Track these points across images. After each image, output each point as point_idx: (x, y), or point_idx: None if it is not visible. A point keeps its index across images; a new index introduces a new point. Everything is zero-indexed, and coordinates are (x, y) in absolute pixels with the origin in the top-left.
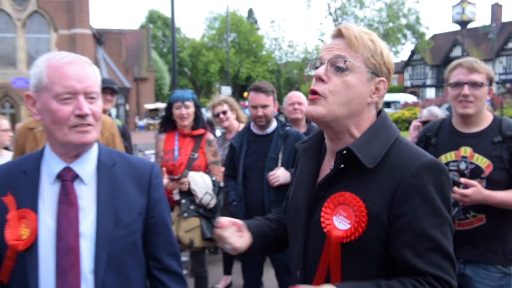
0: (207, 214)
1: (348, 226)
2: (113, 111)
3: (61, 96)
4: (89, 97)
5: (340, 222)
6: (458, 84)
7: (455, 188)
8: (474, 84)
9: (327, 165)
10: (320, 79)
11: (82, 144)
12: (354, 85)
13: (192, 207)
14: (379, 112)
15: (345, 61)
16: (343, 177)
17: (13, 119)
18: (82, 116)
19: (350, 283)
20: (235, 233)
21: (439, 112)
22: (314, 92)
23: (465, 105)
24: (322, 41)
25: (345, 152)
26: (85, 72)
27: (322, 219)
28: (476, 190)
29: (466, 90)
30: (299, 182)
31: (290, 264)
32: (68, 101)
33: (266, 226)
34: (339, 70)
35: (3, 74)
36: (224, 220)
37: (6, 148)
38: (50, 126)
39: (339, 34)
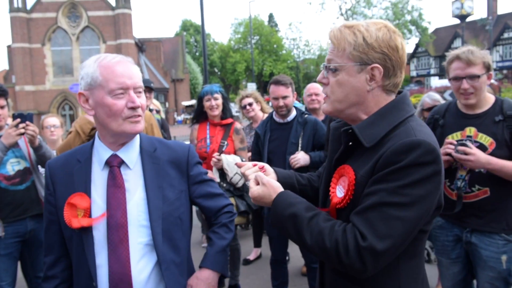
0: (236, 193)
1: (343, 194)
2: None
3: (115, 92)
4: (137, 91)
5: (339, 191)
6: (457, 79)
7: (460, 148)
8: (472, 77)
9: None
10: (323, 83)
11: (136, 132)
12: (345, 81)
13: (224, 185)
14: (400, 93)
15: (331, 64)
16: (353, 153)
17: (72, 119)
18: (134, 108)
19: (296, 196)
20: (258, 172)
21: (438, 97)
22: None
23: (466, 97)
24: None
25: (350, 131)
26: (133, 69)
27: (330, 188)
28: (479, 152)
29: (465, 84)
30: (327, 158)
31: None
32: (121, 95)
33: (295, 178)
34: (332, 70)
35: (62, 81)
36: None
37: None
38: (105, 119)
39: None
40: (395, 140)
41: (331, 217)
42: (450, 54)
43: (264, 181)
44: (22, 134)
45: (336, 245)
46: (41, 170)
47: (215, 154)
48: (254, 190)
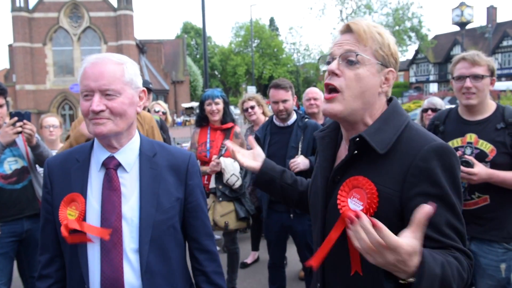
0: (232, 195)
1: (361, 207)
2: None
3: (83, 94)
4: (105, 94)
5: (354, 204)
6: (461, 77)
7: (463, 168)
8: (476, 77)
9: (343, 152)
10: (333, 73)
11: (96, 134)
12: (365, 77)
13: (220, 186)
14: (390, 100)
15: (357, 55)
16: (358, 162)
17: (72, 119)
18: (94, 112)
19: (431, 251)
20: (249, 156)
21: (438, 101)
22: (330, 89)
23: (468, 97)
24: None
25: (357, 139)
26: (105, 71)
27: (338, 201)
28: (481, 168)
29: (468, 83)
30: (318, 168)
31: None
32: (88, 97)
33: (280, 173)
34: (351, 63)
35: (63, 81)
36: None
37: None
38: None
39: (347, 30)
40: (411, 145)
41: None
42: (456, 56)
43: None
44: (20, 132)
45: (468, 273)
46: (39, 169)
47: (214, 157)
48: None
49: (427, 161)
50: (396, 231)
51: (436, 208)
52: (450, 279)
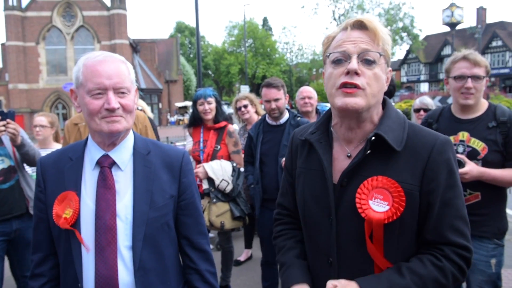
0: (226, 199)
1: (387, 207)
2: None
3: (93, 92)
4: (118, 92)
5: (377, 205)
6: (462, 77)
7: None
8: (477, 78)
9: (340, 153)
10: (355, 73)
11: (112, 132)
12: (380, 76)
13: (212, 189)
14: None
15: (380, 55)
16: (368, 162)
17: (65, 118)
18: (110, 110)
19: (372, 277)
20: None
21: (430, 102)
22: (352, 85)
23: (467, 97)
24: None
25: (373, 138)
26: (116, 69)
27: (358, 204)
28: (472, 166)
29: (469, 83)
30: (309, 173)
31: (309, 251)
32: (99, 96)
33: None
34: (369, 63)
35: (56, 80)
36: None
37: (57, 141)
38: (86, 118)
39: (360, 26)
40: (421, 140)
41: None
42: (455, 55)
43: (343, 283)
44: (2, 131)
45: (453, 276)
46: (28, 169)
47: (198, 166)
48: None
49: (443, 154)
50: (417, 223)
51: (450, 199)
52: None
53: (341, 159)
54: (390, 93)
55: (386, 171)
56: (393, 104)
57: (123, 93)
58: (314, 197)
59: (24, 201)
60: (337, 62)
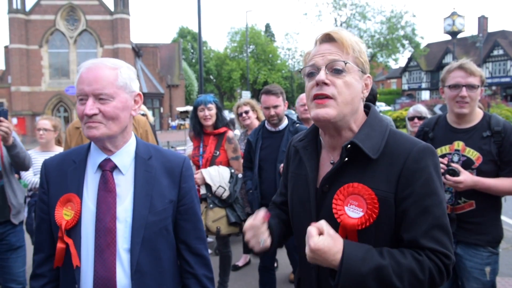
0: (222, 205)
1: (361, 213)
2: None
3: (78, 98)
4: (99, 98)
5: (352, 211)
6: (457, 86)
7: (448, 177)
8: (471, 87)
9: (326, 160)
10: (323, 83)
11: (89, 137)
12: (352, 84)
13: (210, 195)
14: (366, 106)
15: (346, 63)
16: (347, 169)
17: (66, 121)
18: (88, 116)
19: (359, 244)
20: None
21: (423, 110)
22: (322, 96)
23: (461, 106)
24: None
25: (349, 146)
26: (97, 76)
27: (334, 210)
28: (467, 176)
29: (464, 92)
30: (298, 178)
31: (297, 248)
32: (83, 101)
33: (282, 222)
34: (338, 72)
35: (58, 83)
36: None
37: (59, 144)
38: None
39: (327, 39)
40: (399, 148)
41: (390, 249)
42: (450, 64)
43: (331, 233)
44: None
45: (430, 274)
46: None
47: (196, 173)
48: (319, 241)
49: (419, 162)
50: (393, 228)
51: (427, 207)
52: (391, 280)
53: (327, 165)
54: (370, 102)
55: (363, 178)
56: (378, 110)
57: (103, 99)
58: (300, 201)
59: (7, 208)
60: (309, 75)
